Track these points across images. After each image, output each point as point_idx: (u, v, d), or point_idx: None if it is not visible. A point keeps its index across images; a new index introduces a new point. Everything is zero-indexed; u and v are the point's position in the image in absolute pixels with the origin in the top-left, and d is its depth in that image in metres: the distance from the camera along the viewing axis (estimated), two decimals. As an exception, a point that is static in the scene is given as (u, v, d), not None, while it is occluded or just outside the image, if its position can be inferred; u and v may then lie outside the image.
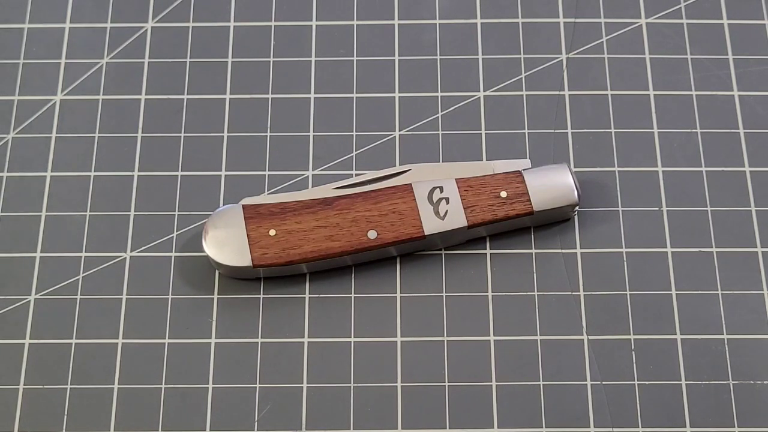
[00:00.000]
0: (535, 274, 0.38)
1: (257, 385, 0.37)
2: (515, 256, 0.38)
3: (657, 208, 0.39)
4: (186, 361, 0.37)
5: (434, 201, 0.38)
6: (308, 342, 0.37)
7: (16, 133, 0.40)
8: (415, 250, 0.38)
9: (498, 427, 0.36)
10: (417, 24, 0.42)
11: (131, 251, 0.39)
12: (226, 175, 0.40)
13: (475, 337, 0.37)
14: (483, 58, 0.41)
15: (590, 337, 0.37)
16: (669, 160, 0.40)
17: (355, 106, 0.41)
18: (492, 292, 0.38)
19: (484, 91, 0.41)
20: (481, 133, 0.40)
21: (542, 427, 0.36)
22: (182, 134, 0.40)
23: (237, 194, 0.39)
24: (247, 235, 0.37)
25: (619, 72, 0.41)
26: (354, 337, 0.37)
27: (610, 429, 0.36)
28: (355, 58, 0.41)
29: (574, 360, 0.37)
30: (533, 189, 0.38)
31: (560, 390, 0.36)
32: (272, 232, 0.37)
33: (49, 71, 0.41)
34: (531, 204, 0.38)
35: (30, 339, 0.37)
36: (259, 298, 0.38)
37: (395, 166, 0.39)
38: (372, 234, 0.37)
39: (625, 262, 0.38)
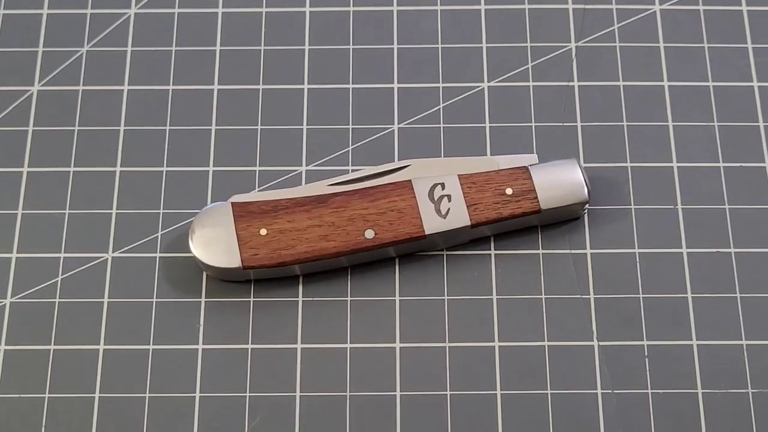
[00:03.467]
0: (542, 276, 0.38)
1: (247, 394, 0.37)
2: (521, 256, 0.38)
3: (672, 206, 0.39)
4: (171, 369, 0.37)
5: (435, 198, 0.37)
6: (301, 348, 0.37)
7: (-9, 126, 0.40)
8: (415, 251, 0.38)
9: (503, 439, 0.36)
10: (417, 10, 0.42)
11: (113, 252, 0.38)
12: (214, 171, 0.40)
13: (479, 343, 0.37)
14: (487, 47, 0.41)
15: (601, 343, 0.37)
16: (684, 154, 0.40)
17: (351, 98, 0.41)
18: (496, 295, 0.38)
19: (488, 81, 0.41)
20: (485, 127, 0.40)
21: (550, 438, 0.36)
22: (167, 127, 0.40)
23: (226, 191, 0.39)
24: (237, 235, 0.37)
25: (631, 61, 0.41)
26: (350, 343, 0.37)
27: (622, 440, 0.36)
28: (351, 47, 0.41)
29: (584, 367, 0.37)
30: (540, 186, 0.38)
31: (569, 399, 0.36)
32: (263, 232, 0.37)
33: (25, 60, 0.41)
34: (538, 202, 0.38)
35: (6, 345, 0.37)
36: (250, 301, 0.38)
37: (394, 161, 0.39)
38: (369, 233, 0.37)
39: (637, 263, 0.38)
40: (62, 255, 0.38)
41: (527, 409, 0.36)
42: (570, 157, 0.39)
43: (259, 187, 0.39)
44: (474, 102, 0.41)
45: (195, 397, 0.36)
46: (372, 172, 0.38)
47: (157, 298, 0.38)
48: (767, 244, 0.39)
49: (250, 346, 0.37)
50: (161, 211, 0.39)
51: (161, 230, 0.39)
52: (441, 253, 0.38)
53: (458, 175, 0.38)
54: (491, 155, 0.39)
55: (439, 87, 0.41)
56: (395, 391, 0.37)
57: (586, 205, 0.38)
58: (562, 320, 0.38)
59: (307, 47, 0.41)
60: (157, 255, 0.38)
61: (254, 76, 0.41)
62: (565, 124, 0.40)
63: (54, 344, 0.37)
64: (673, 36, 0.41)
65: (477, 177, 0.38)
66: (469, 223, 0.37)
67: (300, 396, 0.36)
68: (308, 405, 0.36)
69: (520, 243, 0.39)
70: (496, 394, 0.36)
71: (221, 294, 0.38)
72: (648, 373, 0.37)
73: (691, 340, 0.37)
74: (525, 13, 0.42)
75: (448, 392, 0.37)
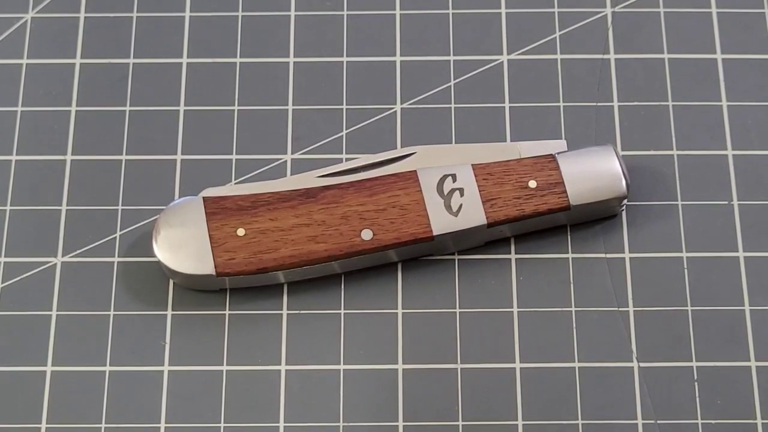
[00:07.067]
0: (572, 285, 0.38)
1: (221, 425, 0.36)
2: (547, 261, 0.38)
3: (726, 202, 0.39)
4: (132, 394, 0.37)
5: (445, 192, 0.37)
6: (286, 370, 0.37)
7: None
8: (420, 255, 0.38)
9: (526, 478, 0.37)
10: (423, -31, 0.42)
11: (63, 255, 0.38)
12: (182, 160, 0.40)
13: (497, 364, 0.37)
14: (507, 13, 0.42)
15: (642, 365, 0.37)
16: (741, 140, 0.40)
17: (345, 73, 0.41)
18: (518, 307, 0.38)
19: (508, 54, 0.41)
20: (504, 107, 0.40)
21: (582, 477, 0.37)
22: (127, 108, 0.40)
23: (196, 184, 0.39)
24: (209, 236, 0.37)
25: (678, 30, 0.41)
26: (344, 364, 0.37)
27: (667, 480, 0.36)
28: (345, 13, 0.42)
29: (622, 393, 0.37)
30: (570, 177, 0.38)
31: (604, 430, 0.36)
32: (240, 232, 0.37)
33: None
34: (567, 196, 0.38)
35: (-65, 365, 0.38)
36: (225, 314, 0.38)
37: (396, 148, 0.40)
38: (366, 234, 0.37)
39: (685, 270, 0.38)
40: (2, 259, 0.38)
41: (554, 443, 0.37)
42: (605, 144, 0.39)
43: (235, 179, 0.39)
44: (491, 78, 0.41)
45: (160, 428, 0.36)
46: (370, 162, 0.38)
47: (114, 310, 0.38)
48: (840, 247, 0.39)
49: (225, 367, 0.37)
50: (120, 207, 0.39)
51: (120, 230, 0.39)
52: (452, 257, 0.38)
53: (472, 165, 0.38)
54: (511, 141, 0.40)
55: (449, 60, 0.41)
56: (397, 422, 0.37)
57: (625, 201, 0.38)
58: (595, 337, 0.37)
59: (293, 13, 0.42)
60: (115, 259, 0.38)
61: (230, 48, 0.41)
62: (599, 104, 0.40)
63: (-7, 365, 0.38)
64: (728, 0, 0.42)
65: (494, 167, 0.38)
66: (485, 222, 0.37)
67: (284, 427, 0.36)
68: (294, 438, 0.36)
69: (546, 246, 0.39)
70: (517, 425, 0.36)
71: (191, 306, 0.38)
72: (698, 400, 0.37)
73: (749, 360, 0.37)
74: (552, -29, 0.42)
75: (460, 422, 0.36)
